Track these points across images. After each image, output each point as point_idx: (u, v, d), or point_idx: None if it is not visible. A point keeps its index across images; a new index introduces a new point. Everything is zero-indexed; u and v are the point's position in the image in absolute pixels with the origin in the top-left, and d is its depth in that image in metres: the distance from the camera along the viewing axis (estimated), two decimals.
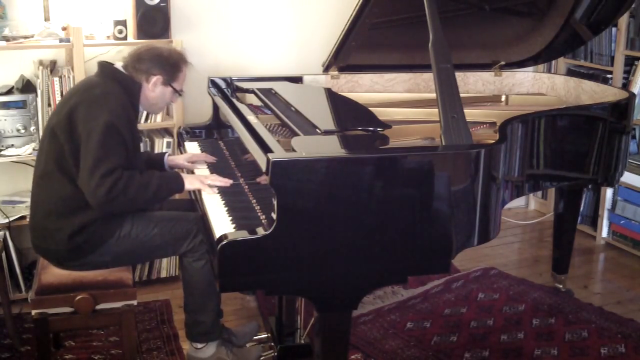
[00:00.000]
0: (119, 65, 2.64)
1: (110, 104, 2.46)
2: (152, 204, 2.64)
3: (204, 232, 2.51)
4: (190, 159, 2.91)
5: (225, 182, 2.59)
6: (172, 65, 2.64)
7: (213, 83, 3.29)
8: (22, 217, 3.19)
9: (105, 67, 2.62)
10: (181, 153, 3.18)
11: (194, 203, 2.71)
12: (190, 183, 2.58)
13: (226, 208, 2.41)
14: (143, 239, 2.57)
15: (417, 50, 3.10)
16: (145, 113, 3.38)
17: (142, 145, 3.40)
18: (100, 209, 2.44)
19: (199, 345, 2.75)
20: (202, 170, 2.80)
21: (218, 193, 2.56)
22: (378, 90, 3.50)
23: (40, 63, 3.26)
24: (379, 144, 2.33)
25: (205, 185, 2.57)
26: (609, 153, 3.06)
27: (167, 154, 2.94)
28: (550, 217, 4.31)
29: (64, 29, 3.32)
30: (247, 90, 3.18)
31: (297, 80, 3.38)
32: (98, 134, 2.39)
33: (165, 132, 3.54)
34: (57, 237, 2.49)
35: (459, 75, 3.17)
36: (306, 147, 2.15)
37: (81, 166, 2.42)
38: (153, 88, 2.62)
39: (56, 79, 3.19)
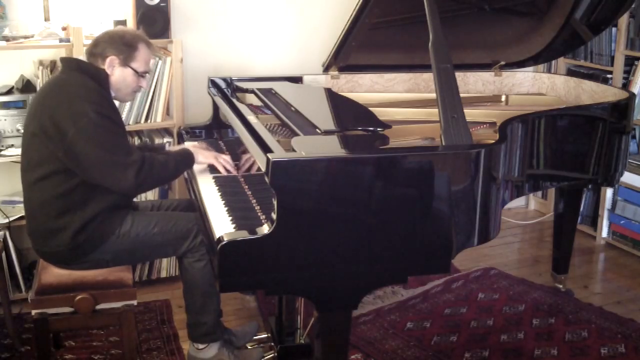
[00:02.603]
0: (81, 57, 2.63)
1: (89, 95, 2.45)
2: (171, 181, 2.82)
3: (204, 232, 2.50)
4: (208, 161, 2.85)
5: (233, 168, 2.74)
6: (125, 44, 2.57)
7: (213, 83, 3.29)
8: (22, 217, 3.16)
9: (69, 62, 2.59)
10: None
11: (194, 203, 2.71)
12: (205, 157, 2.73)
13: (226, 208, 2.41)
14: (143, 238, 2.58)
15: (417, 50, 3.10)
16: (146, 111, 3.39)
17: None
18: (132, 193, 2.58)
19: (201, 346, 2.75)
20: (207, 178, 2.76)
21: (218, 192, 2.56)
22: (378, 90, 3.50)
23: (40, 63, 3.26)
24: (379, 144, 2.33)
25: (218, 161, 2.72)
26: (609, 153, 3.06)
27: (166, 146, 2.98)
28: (550, 217, 4.31)
29: (64, 29, 3.32)
30: (247, 90, 3.18)
31: (297, 80, 3.37)
32: (95, 125, 2.39)
33: (165, 132, 3.54)
34: (60, 237, 2.49)
35: (459, 75, 3.17)
36: (306, 147, 2.15)
37: (91, 162, 2.40)
38: (111, 70, 2.56)
39: None
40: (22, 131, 2.64)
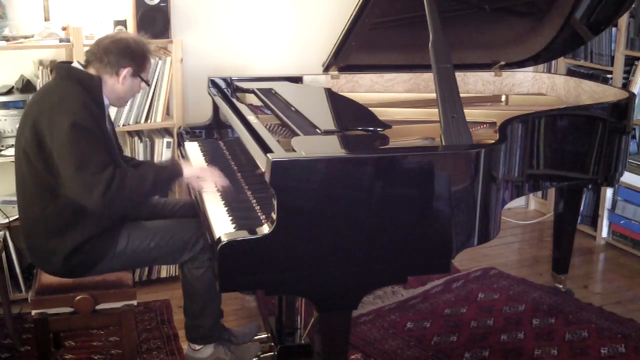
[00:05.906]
0: (76, 63, 2.51)
1: (69, 105, 2.34)
2: (152, 197, 2.51)
3: (205, 238, 2.48)
4: (196, 174, 2.64)
5: (225, 182, 2.53)
6: (141, 57, 2.52)
7: (213, 83, 3.29)
8: None
9: (61, 69, 2.49)
10: (181, 153, 3.18)
11: (195, 206, 2.69)
12: (191, 171, 2.54)
13: (226, 208, 2.41)
14: (140, 254, 2.53)
15: (417, 50, 3.10)
16: (146, 111, 3.39)
17: (142, 145, 3.42)
18: (101, 213, 2.35)
19: (197, 347, 2.75)
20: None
21: (219, 192, 2.55)
22: (378, 90, 3.50)
23: (40, 63, 3.26)
24: (379, 144, 2.33)
25: (205, 177, 2.53)
26: (609, 153, 3.06)
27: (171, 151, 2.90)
28: (550, 217, 4.31)
29: (64, 29, 3.32)
30: (247, 90, 3.18)
31: (297, 80, 3.37)
32: (67, 139, 2.29)
33: (165, 132, 3.54)
34: (53, 260, 2.46)
35: (459, 75, 3.17)
36: (306, 147, 2.15)
37: (63, 177, 2.31)
38: (123, 81, 2.49)
39: None
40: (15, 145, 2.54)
